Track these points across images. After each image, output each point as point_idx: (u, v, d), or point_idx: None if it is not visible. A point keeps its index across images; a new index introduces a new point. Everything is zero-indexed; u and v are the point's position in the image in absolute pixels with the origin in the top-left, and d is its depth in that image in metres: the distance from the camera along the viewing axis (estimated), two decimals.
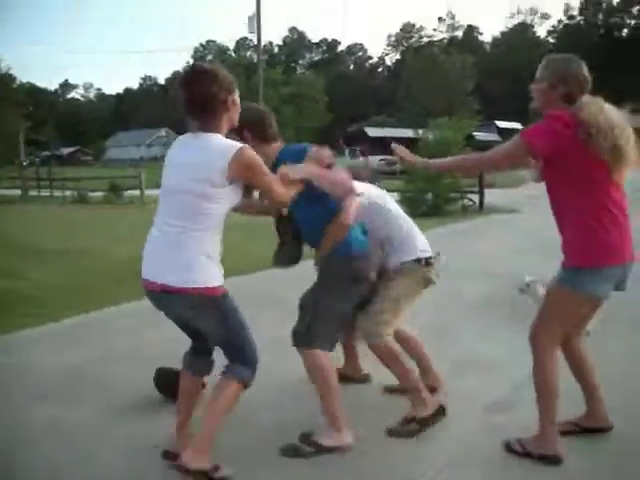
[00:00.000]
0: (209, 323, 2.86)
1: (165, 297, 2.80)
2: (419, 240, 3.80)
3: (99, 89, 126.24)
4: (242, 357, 2.93)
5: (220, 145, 2.75)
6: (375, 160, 35.94)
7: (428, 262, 3.73)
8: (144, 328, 5.45)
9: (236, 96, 2.88)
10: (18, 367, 4.64)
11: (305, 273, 3.77)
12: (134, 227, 13.82)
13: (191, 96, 2.77)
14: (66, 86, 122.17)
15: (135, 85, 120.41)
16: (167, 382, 3.81)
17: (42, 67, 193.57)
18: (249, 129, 3.25)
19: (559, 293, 3.06)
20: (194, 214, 2.75)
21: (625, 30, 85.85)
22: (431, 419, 3.52)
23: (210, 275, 2.79)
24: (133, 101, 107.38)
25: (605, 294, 3.02)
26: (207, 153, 2.74)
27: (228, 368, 2.94)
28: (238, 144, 2.77)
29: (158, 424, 3.53)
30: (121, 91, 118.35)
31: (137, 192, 22.32)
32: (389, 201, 3.92)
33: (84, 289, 7.09)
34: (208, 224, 2.78)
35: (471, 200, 17.02)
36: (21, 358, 4.85)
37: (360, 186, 3.75)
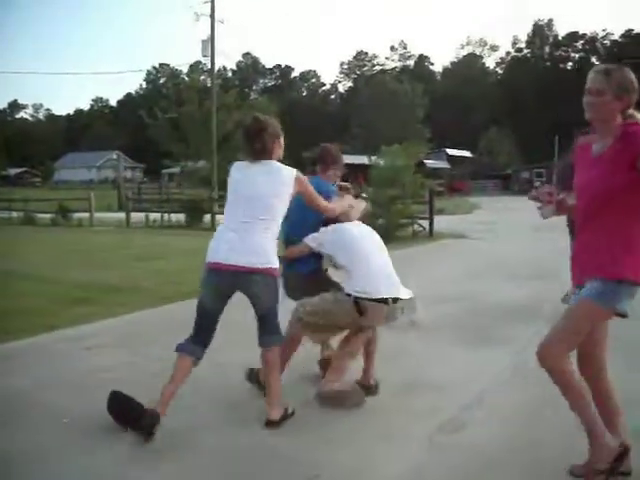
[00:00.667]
0: (273, 296, 3.74)
1: (248, 276, 3.61)
2: (372, 284, 4.00)
3: (49, 109, 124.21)
4: (277, 326, 3.81)
5: (284, 168, 3.81)
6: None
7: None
8: (91, 353, 5.34)
9: (281, 139, 3.90)
10: None
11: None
12: (82, 250, 13.65)
13: (253, 144, 3.77)
14: (15, 106, 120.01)
15: (86, 106, 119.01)
16: (121, 408, 3.61)
17: None
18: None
19: (589, 308, 2.90)
20: (273, 211, 3.70)
21: (570, 63, 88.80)
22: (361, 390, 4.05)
23: (276, 259, 3.73)
24: (84, 122, 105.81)
25: (626, 312, 2.91)
26: (277, 173, 3.77)
27: (267, 339, 3.75)
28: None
29: (112, 451, 3.39)
30: (71, 112, 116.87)
31: (86, 214, 22.04)
32: (349, 248, 4.11)
33: (31, 312, 6.91)
34: (279, 219, 3.76)
35: (421, 226, 17.29)
36: None
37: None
